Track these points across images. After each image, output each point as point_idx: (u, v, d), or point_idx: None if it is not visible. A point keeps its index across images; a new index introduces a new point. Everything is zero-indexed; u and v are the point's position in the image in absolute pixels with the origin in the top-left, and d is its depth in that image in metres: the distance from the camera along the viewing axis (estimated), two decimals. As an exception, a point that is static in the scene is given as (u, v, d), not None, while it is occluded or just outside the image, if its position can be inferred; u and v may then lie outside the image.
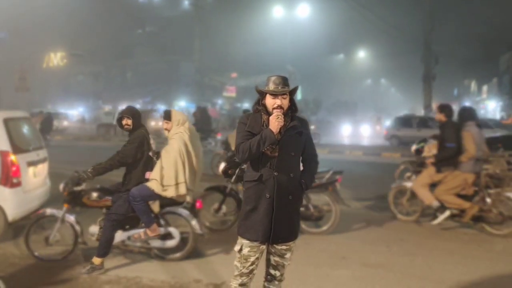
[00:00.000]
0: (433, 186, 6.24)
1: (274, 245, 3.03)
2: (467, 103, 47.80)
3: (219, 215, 6.05)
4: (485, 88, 43.71)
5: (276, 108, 2.96)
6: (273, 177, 2.95)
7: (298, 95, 44.94)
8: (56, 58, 41.57)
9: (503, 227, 5.86)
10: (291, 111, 3.06)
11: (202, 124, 14.47)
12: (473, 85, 49.28)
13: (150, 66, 46.12)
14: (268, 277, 3.14)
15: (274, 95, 2.98)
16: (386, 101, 68.62)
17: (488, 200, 5.88)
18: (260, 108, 3.06)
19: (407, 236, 5.96)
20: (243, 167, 5.92)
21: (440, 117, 6.35)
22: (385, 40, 42.34)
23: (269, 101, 3.00)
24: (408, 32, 31.24)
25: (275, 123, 2.91)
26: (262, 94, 3.06)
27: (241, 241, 3.02)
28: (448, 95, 54.60)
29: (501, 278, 4.50)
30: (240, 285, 3.06)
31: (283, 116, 2.94)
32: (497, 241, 5.74)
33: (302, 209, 5.34)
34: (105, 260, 4.66)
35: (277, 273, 3.11)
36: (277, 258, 3.07)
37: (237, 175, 5.83)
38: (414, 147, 8.14)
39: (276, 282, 3.13)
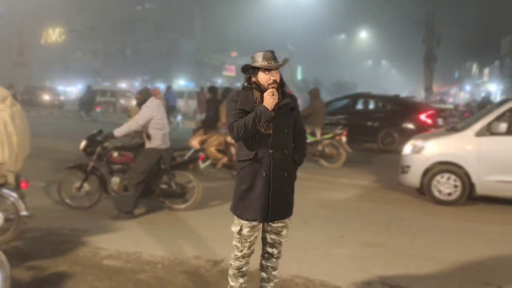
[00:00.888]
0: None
1: (270, 223, 3.02)
2: (468, 86, 47.72)
3: (81, 193, 6.05)
4: (486, 71, 43.41)
5: (272, 83, 2.91)
6: (269, 155, 2.92)
7: (298, 75, 44.78)
8: (54, 34, 41.08)
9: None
10: (280, 86, 3.00)
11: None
12: (475, 68, 48.95)
13: (149, 44, 45.66)
14: (266, 255, 3.14)
15: (268, 70, 2.92)
16: (386, 82, 68.28)
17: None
18: (252, 86, 2.99)
19: (407, 216, 5.99)
20: (105, 145, 6.03)
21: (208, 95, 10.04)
22: (387, 21, 41.94)
23: (263, 77, 2.93)
24: (410, 13, 30.90)
25: (270, 100, 2.86)
26: (254, 71, 2.98)
27: (240, 221, 3.00)
28: (449, 78, 54.33)
29: (501, 259, 4.53)
30: (245, 265, 3.08)
31: (277, 92, 2.90)
32: (497, 221, 5.77)
33: (164, 186, 6.00)
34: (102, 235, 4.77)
35: (275, 251, 3.11)
36: (273, 236, 3.07)
37: (98, 153, 5.97)
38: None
39: (274, 260, 3.14)
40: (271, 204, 2.93)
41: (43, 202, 6.49)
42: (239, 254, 3.05)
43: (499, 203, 6.64)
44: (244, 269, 3.10)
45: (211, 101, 10.18)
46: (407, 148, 7.14)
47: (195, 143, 7.90)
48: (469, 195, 6.48)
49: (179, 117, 18.44)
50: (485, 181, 6.36)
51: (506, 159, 6.36)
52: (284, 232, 3.08)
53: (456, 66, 54.83)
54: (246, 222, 2.98)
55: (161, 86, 45.00)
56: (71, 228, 5.22)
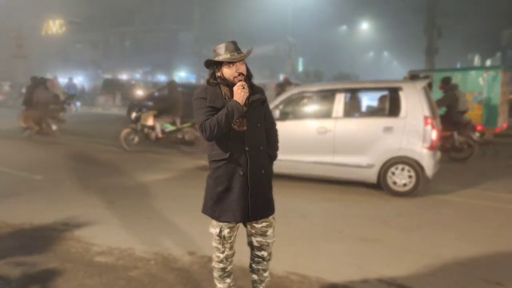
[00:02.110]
0: None
1: (254, 225, 2.90)
2: (469, 78, 47.38)
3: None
4: (488, 62, 43.15)
5: (238, 76, 2.77)
6: (245, 153, 2.78)
7: (299, 67, 44.52)
8: (55, 26, 40.80)
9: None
10: (248, 78, 2.85)
11: None
12: (476, 60, 48.65)
13: (149, 35, 45.38)
14: (256, 259, 3.02)
15: (232, 63, 2.76)
16: (388, 74, 67.90)
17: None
18: (218, 81, 2.82)
19: (404, 211, 5.90)
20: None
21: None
22: (389, 12, 41.60)
23: (228, 71, 2.78)
24: (412, 4, 30.58)
25: (241, 93, 2.72)
26: (217, 67, 2.81)
27: (219, 223, 2.87)
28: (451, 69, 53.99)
29: (499, 255, 4.45)
30: (229, 265, 2.99)
31: (247, 85, 2.76)
32: (495, 217, 5.69)
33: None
34: (94, 230, 4.71)
35: (265, 254, 2.98)
36: (259, 238, 2.94)
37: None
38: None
39: (265, 263, 3.02)
40: (251, 204, 2.81)
41: (39, 196, 6.43)
42: (222, 256, 2.94)
43: (495, 201, 6.56)
44: (228, 268, 3.01)
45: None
46: None
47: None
48: None
49: (78, 104, 23.52)
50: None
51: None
52: (269, 232, 2.95)
53: (458, 57, 54.47)
54: (225, 223, 2.86)
55: (162, 78, 44.89)
56: (63, 222, 5.15)
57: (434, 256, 4.35)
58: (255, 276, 3.08)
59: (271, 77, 46.33)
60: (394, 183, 6.64)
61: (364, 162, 6.73)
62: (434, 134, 6.48)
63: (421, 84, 6.83)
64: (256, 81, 3.03)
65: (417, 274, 3.95)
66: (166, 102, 10.79)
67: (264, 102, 2.95)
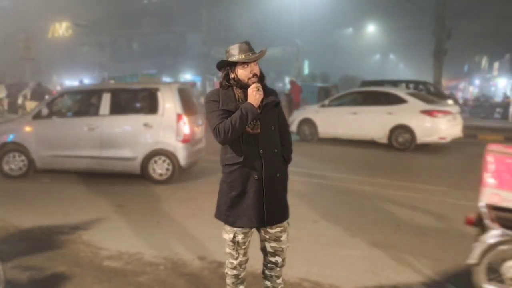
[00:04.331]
0: None
1: (268, 230, 2.81)
2: (477, 80, 47.15)
3: None
4: (496, 65, 42.87)
5: (253, 77, 2.68)
6: (259, 156, 2.70)
7: (305, 69, 44.43)
8: (61, 29, 40.98)
9: None
10: (260, 80, 2.76)
11: None
12: (484, 62, 48.36)
13: (156, 37, 45.40)
14: (269, 265, 2.92)
15: (246, 64, 2.68)
16: (394, 77, 67.65)
17: None
18: (231, 83, 2.74)
19: (417, 216, 5.78)
20: None
21: None
22: (396, 14, 41.43)
23: (242, 72, 2.69)
24: (420, 5, 30.40)
25: (256, 95, 2.63)
26: (230, 68, 2.73)
27: (233, 229, 2.78)
28: (458, 72, 53.66)
29: (517, 262, 4.32)
30: (242, 271, 2.90)
31: (261, 88, 2.68)
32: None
33: None
34: (103, 234, 4.56)
35: (278, 260, 2.88)
36: (273, 244, 2.84)
37: None
38: None
39: (278, 269, 2.93)
40: (266, 208, 2.71)
41: (47, 199, 6.39)
42: (235, 262, 2.85)
43: None
44: (242, 275, 2.92)
45: None
46: None
47: None
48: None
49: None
50: (42, 156, 7.65)
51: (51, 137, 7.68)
52: (284, 237, 2.86)
53: (466, 59, 54.16)
54: (240, 228, 2.77)
55: (168, 79, 44.91)
56: (72, 226, 5.10)
57: (450, 262, 4.24)
58: (268, 283, 2.99)
59: (277, 79, 46.32)
60: (155, 172, 7.44)
61: (128, 155, 7.46)
62: (186, 129, 7.32)
63: (176, 86, 7.68)
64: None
65: (433, 281, 3.85)
66: None
67: (277, 104, 2.87)
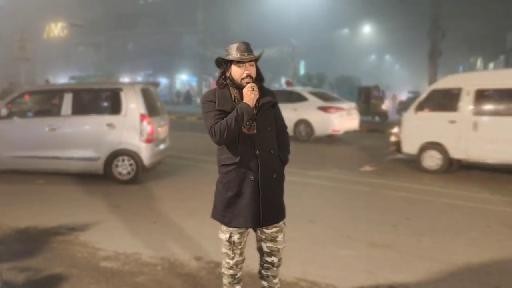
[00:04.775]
0: None
1: (264, 230, 2.82)
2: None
3: None
4: (491, 65, 43.03)
5: (246, 77, 2.69)
6: (255, 157, 2.70)
7: (301, 70, 44.48)
8: (56, 29, 40.82)
9: None
10: (258, 81, 2.77)
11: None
12: (479, 63, 48.57)
13: (152, 38, 45.32)
14: (265, 265, 2.93)
15: (241, 63, 2.69)
16: (390, 77, 67.87)
17: None
18: (227, 82, 2.75)
19: (414, 216, 5.81)
20: None
21: None
22: (392, 15, 41.55)
23: (236, 71, 2.70)
24: (416, 6, 30.51)
25: (251, 95, 2.64)
26: (226, 66, 2.75)
27: (229, 229, 2.79)
28: (453, 72, 53.76)
29: (510, 262, 4.35)
30: (239, 271, 2.91)
31: (257, 87, 2.68)
32: (507, 222, 5.59)
33: None
34: (100, 234, 4.55)
35: (274, 260, 2.89)
36: (269, 244, 2.85)
37: None
38: None
39: (274, 269, 2.94)
40: (262, 209, 2.72)
41: (43, 200, 6.38)
42: (232, 262, 2.86)
43: (509, 206, 6.48)
44: (238, 275, 2.93)
45: None
46: None
47: None
48: None
49: None
50: (3, 157, 7.60)
51: (11, 138, 7.68)
52: (280, 238, 2.87)
53: (460, 60, 54.38)
54: (235, 228, 2.78)
55: (164, 80, 44.83)
56: (68, 226, 5.09)
57: (446, 262, 4.26)
58: (264, 283, 3.00)
59: (273, 80, 46.33)
60: (119, 172, 7.48)
61: (91, 155, 7.49)
62: (150, 129, 7.41)
63: (139, 86, 7.71)
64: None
65: (429, 281, 3.87)
66: None
67: (274, 105, 2.87)
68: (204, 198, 6.07)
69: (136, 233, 4.94)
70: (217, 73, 2.90)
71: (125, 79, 40.86)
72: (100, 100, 8.07)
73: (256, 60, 2.76)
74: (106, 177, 7.53)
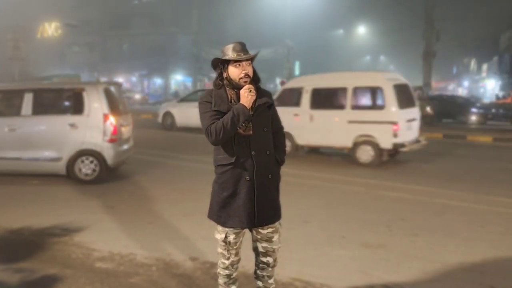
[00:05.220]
0: None
1: (260, 231, 2.83)
2: (466, 82, 47.63)
3: None
4: (485, 66, 43.34)
5: (244, 77, 2.70)
6: (251, 157, 2.71)
7: (296, 70, 44.52)
8: (50, 29, 40.64)
9: None
10: (254, 82, 2.78)
11: None
12: (473, 64, 48.86)
13: (147, 38, 45.20)
14: (260, 265, 2.95)
15: (238, 63, 2.69)
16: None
17: None
18: (224, 83, 2.76)
19: (407, 216, 5.84)
20: None
21: None
22: (386, 15, 41.71)
23: (234, 71, 2.70)
24: (410, 7, 30.64)
25: (248, 97, 2.65)
26: (223, 67, 2.75)
27: (224, 229, 2.80)
28: (447, 74, 54.14)
29: (505, 260, 4.40)
30: (234, 271, 2.93)
31: (254, 88, 2.69)
32: (500, 222, 5.64)
33: None
34: (95, 235, 4.54)
35: (270, 260, 2.91)
36: (265, 244, 2.87)
37: None
38: None
39: (270, 269, 2.95)
40: (257, 209, 2.74)
41: (37, 200, 6.35)
42: (227, 262, 2.88)
43: (503, 207, 6.53)
44: (234, 275, 2.94)
45: None
46: None
47: None
48: None
49: None
50: None
51: None
52: (275, 238, 2.88)
53: (454, 61, 54.67)
54: (231, 229, 2.80)
55: (158, 81, 44.73)
56: (63, 227, 5.08)
57: (439, 261, 4.29)
58: (259, 283, 3.02)
59: (268, 80, 46.34)
60: (83, 173, 7.46)
61: (52, 156, 7.45)
62: (113, 129, 7.41)
63: (102, 86, 7.69)
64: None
65: (423, 281, 3.89)
66: None
67: (271, 106, 2.89)
68: (199, 199, 6.08)
69: (131, 234, 4.93)
70: (212, 73, 2.91)
71: (119, 79, 40.82)
72: (62, 100, 7.96)
73: (252, 59, 2.78)
74: (69, 177, 7.49)
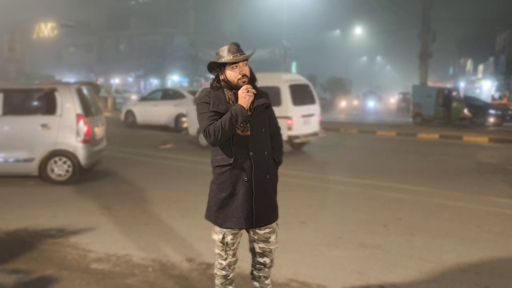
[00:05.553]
0: None
1: (257, 231, 2.83)
2: (462, 83, 47.76)
3: None
4: (481, 67, 43.44)
5: (242, 78, 2.70)
6: (249, 158, 2.71)
7: (293, 71, 44.54)
8: (46, 29, 40.54)
9: None
10: (251, 81, 2.78)
11: None
12: (469, 64, 48.97)
13: (144, 39, 45.15)
14: (257, 265, 2.94)
15: (235, 64, 2.69)
16: (381, 79, 68.24)
17: None
18: (222, 85, 2.75)
19: (404, 216, 5.85)
20: None
21: None
22: (383, 16, 41.83)
23: (231, 73, 2.70)
24: (407, 8, 30.75)
25: (246, 97, 2.65)
26: (220, 69, 2.74)
27: (222, 230, 2.80)
28: (443, 74, 54.29)
29: (501, 261, 4.41)
30: (231, 272, 2.92)
31: (252, 89, 2.69)
32: (496, 222, 5.65)
33: None
34: (91, 236, 4.52)
35: (267, 260, 2.91)
36: (262, 245, 2.87)
37: None
38: None
39: (266, 269, 2.95)
40: (255, 210, 2.74)
41: (33, 201, 6.33)
42: (224, 263, 2.87)
43: (499, 207, 6.55)
44: (231, 276, 2.94)
45: None
46: None
47: None
48: None
49: None
50: None
51: None
52: (272, 238, 2.88)
53: (451, 62, 54.86)
54: (229, 229, 2.79)
55: (155, 81, 44.63)
56: (59, 228, 5.06)
57: (436, 262, 4.30)
58: (256, 284, 3.01)
59: (265, 81, 46.30)
60: (55, 173, 7.41)
61: (24, 157, 7.38)
62: (86, 130, 7.38)
63: (75, 86, 7.67)
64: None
65: (419, 281, 3.90)
66: None
67: (268, 106, 2.89)
68: (196, 199, 6.11)
69: (127, 235, 4.92)
70: (208, 74, 2.90)
71: (116, 80, 40.73)
72: (33, 100, 7.89)
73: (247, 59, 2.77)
74: (41, 178, 7.44)
